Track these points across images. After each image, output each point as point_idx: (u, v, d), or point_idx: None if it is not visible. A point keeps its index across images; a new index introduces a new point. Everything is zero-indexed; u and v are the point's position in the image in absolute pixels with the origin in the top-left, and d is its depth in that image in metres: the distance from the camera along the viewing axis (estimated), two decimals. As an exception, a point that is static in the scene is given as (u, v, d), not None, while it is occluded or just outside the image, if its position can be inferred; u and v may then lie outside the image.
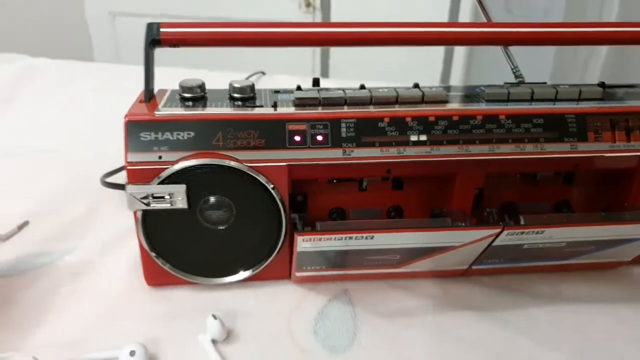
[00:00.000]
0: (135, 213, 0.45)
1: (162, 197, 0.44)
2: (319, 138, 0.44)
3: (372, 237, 0.42)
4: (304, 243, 0.42)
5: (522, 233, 0.44)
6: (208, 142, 0.44)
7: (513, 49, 0.52)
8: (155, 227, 0.46)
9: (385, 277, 0.52)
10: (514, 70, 0.52)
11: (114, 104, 0.97)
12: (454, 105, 0.47)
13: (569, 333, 0.46)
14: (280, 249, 0.48)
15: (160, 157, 0.43)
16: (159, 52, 0.46)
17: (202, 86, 0.47)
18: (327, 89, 0.47)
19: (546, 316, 0.48)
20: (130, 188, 0.44)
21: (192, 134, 0.43)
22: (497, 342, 0.45)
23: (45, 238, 0.58)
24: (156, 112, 0.44)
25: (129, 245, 0.56)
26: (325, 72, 1.83)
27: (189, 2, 1.84)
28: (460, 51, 1.72)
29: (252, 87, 0.47)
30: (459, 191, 0.48)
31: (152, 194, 0.44)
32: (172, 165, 0.43)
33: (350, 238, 0.42)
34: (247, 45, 0.46)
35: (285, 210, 0.46)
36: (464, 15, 1.66)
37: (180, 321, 0.46)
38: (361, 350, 0.44)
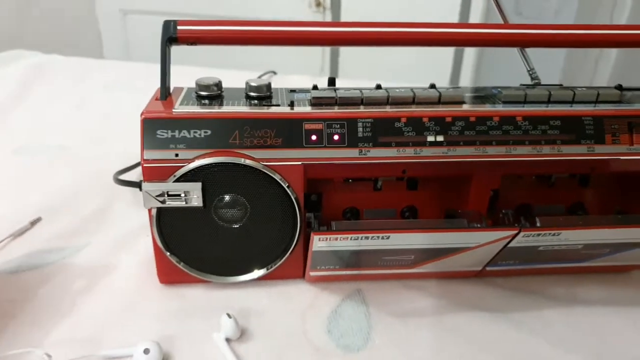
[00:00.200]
0: (149, 211, 0.45)
1: (178, 195, 0.44)
2: (336, 137, 0.44)
3: (388, 237, 0.42)
4: (320, 242, 0.42)
5: (539, 235, 0.43)
6: (225, 140, 0.44)
7: (518, 49, 0.52)
8: (170, 225, 0.46)
9: (398, 278, 0.52)
10: (530, 72, 0.52)
11: (125, 101, 0.98)
12: (471, 106, 0.46)
13: (585, 335, 0.46)
14: (294, 248, 0.48)
15: (176, 155, 0.43)
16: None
17: (218, 84, 0.47)
18: (343, 89, 0.47)
19: (561, 318, 0.48)
20: (146, 185, 0.44)
21: (209, 132, 0.43)
22: (511, 344, 0.45)
23: (57, 234, 0.58)
24: (173, 110, 0.44)
25: (142, 242, 0.57)
26: (334, 72, 1.83)
27: (200, 1, 1.85)
28: (470, 52, 1.72)
29: (268, 85, 0.47)
30: (474, 192, 0.48)
31: (168, 192, 0.44)
32: (189, 163, 0.43)
33: (366, 238, 0.42)
34: (263, 44, 0.47)
35: (300, 209, 0.46)
36: (475, 16, 1.65)
37: (194, 319, 0.46)
38: (375, 350, 0.44)
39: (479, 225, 0.46)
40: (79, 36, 2.06)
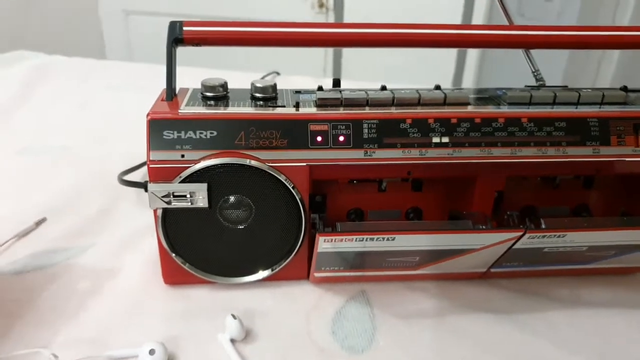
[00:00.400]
0: (155, 211, 0.45)
1: (183, 196, 0.44)
2: (341, 139, 0.44)
3: (393, 239, 0.42)
4: (325, 243, 0.42)
5: (544, 236, 0.43)
6: (230, 141, 0.44)
7: (518, 50, 0.52)
8: (175, 226, 0.46)
9: (402, 279, 0.52)
10: (535, 74, 0.52)
11: (128, 102, 0.98)
12: (476, 108, 0.46)
13: (589, 337, 0.46)
14: (299, 249, 0.48)
15: (182, 156, 0.43)
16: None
17: (224, 85, 0.47)
18: (348, 90, 0.47)
19: (566, 320, 0.48)
20: (152, 186, 0.44)
21: (215, 133, 0.43)
22: (515, 345, 0.45)
23: (62, 235, 0.59)
24: (179, 111, 0.44)
25: (146, 243, 0.57)
26: (337, 73, 1.83)
27: (202, 3, 1.85)
28: (472, 53, 1.72)
29: (274, 87, 0.47)
30: (479, 194, 0.48)
31: (174, 193, 0.44)
32: (194, 164, 0.43)
33: (371, 239, 0.42)
34: (269, 45, 0.47)
35: (305, 210, 0.46)
36: (478, 16, 1.65)
37: (199, 320, 0.46)
38: (379, 351, 0.44)
39: (484, 227, 0.46)
40: (82, 37, 2.06)
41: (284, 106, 0.46)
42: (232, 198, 0.45)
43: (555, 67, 1.66)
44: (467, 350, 0.44)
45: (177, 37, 0.45)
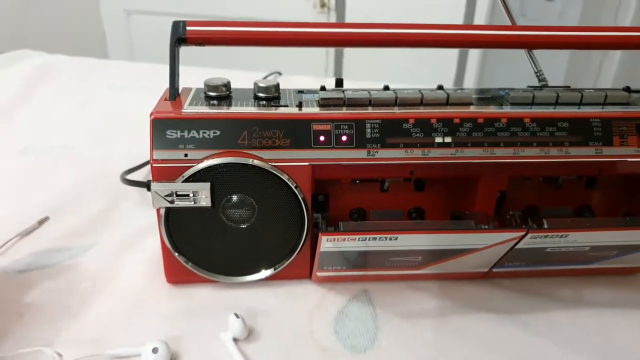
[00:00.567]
0: (158, 211, 0.46)
1: (186, 195, 0.44)
2: (344, 138, 0.44)
3: (396, 239, 0.42)
4: (328, 243, 0.42)
5: (546, 236, 0.43)
6: (233, 141, 0.44)
7: (520, 50, 0.52)
8: (178, 225, 0.46)
9: (404, 279, 0.52)
10: (538, 74, 0.52)
11: (130, 101, 0.98)
12: (479, 108, 0.46)
13: (591, 337, 0.46)
14: (301, 248, 0.48)
15: (185, 155, 0.43)
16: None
17: (227, 85, 0.47)
18: (351, 90, 0.47)
19: (568, 320, 0.48)
20: (155, 185, 0.44)
21: (218, 132, 0.44)
22: (517, 345, 0.45)
23: (64, 234, 0.59)
24: (182, 111, 0.44)
25: (148, 242, 0.57)
26: (339, 73, 1.83)
27: (204, 2, 1.85)
28: (474, 53, 1.72)
29: (276, 86, 0.47)
30: (481, 193, 0.48)
31: (177, 192, 0.44)
32: (198, 163, 0.43)
33: (374, 239, 0.42)
34: (272, 45, 0.47)
35: (307, 210, 0.46)
36: (479, 17, 1.65)
37: (202, 319, 0.47)
38: (382, 351, 0.44)
39: (486, 227, 0.46)
40: (84, 36, 2.07)
41: (286, 106, 0.46)
42: (235, 197, 0.45)
43: (556, 68, 1.66)
44: (469, 350, 0.44)
45: (180, 36, 0.45)
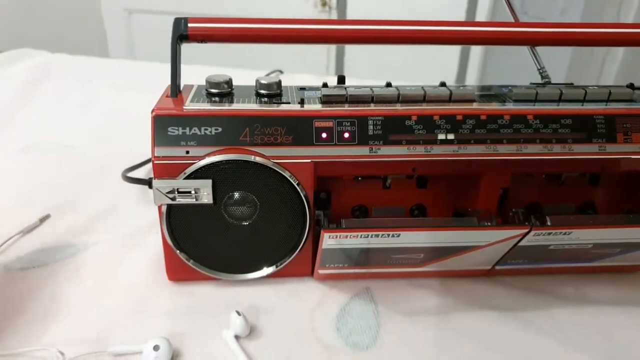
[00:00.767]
0: (159, 208, 0.45)
1: (188, 192, 0.44)
2: (346, 135, 0.44)
3: (398, 236, 0.42)
4: (330, 240, 0.42)
5: (549, 234, 0.43)
6: (235, 137, 0.44)
7: (522, 47, 0.52)
8: (180, 222, 0.46)
9: (406, 276, 0.52)
10: (541, 71, 0.52)
11: (131, 100, 0.98)
12: (482, 105, 0.46)
13: (594, 335, 0.46)
14: (303, 245, 0.48)
15: (187, 152, 0.43)
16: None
17: (229, 82, 0.47)
18: (353, 87, 0.47)
19: (570, 318, 0.47)
20: (157, 182, 0.44)
21: (220, 129, 0.43)
22: (519, 343, 0.45)
23: (66, 232, 0.59)
24: (184, 107, 0.44)
25: (150, 240, 0.57)
26: (340, 71, 1.83)
27: (205, 1, 1.85)
28: (476, 50, 1.71)
29: (278, 83, 0.47)
30: (484, 191, 0.48)
31: (178, 189, 0.44)
32: (199, 160, 0.43)
33: (376, 236, 0.42)
34: (273, 42, 0.47)
35: (309, 207, 0.46)
36: (481, 14, 1.65)
37: (203, 316, 0.46)
38: (384, 348, 0.44)
39: (489, 224, 0.46)
40: (85, 35, 2.07)
41: (288, 103, 0.46)
42: (236, 194, 0.45)
43: (558, 65, 1.66)
44: (471, 348, 0.44)
45: (182, 33, 0.45)
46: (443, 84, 0.49)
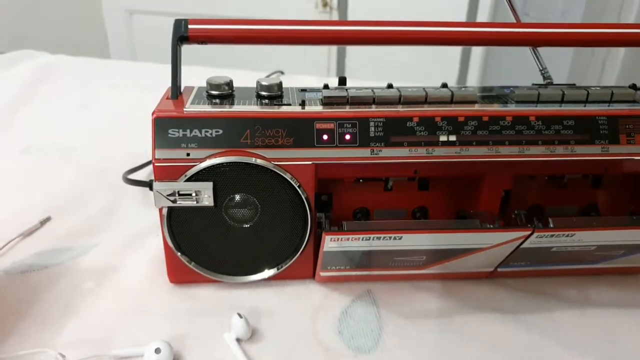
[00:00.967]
0: (160, 210, 0.45)
1: (189, 195, 0.44)
2: (347, 137, 0.44)
3: (400, 238, 0.42)
4: (331, 242, 0.42)
5: (552, 236, 0.43)
6: (236, 140, 0.43)
7: (524, 47, 0.52)
8: (181, 225, 0.46)
9: (408, 279, 0.51)
10: (543, 72, 0.52)
11: (132, 101, 0.98)
12: (484, 106, 0.46)
13: (597, 337, 0.45)
14: (304, 248, 0.48)
15: (188, 154, 0.43)
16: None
17: (229, 84, 0.47)
18: (355, 88, 0.47)
19: (573, 320, 0.47)
20: (157, 185, 0.44)
21: (220, 131, 0.43)
22: (522, 345, 0.44)
23: (67, 234, 0.58)
24: (185, 109, 0.44)
25: (151, 242, 0.56)
26: (341, 72, 1.83)
27: (206, 2, 1.85)
28: (477, 51, 1.71)
29: (279, 85, 0.47)
30: (486, 192, 0.48)
31: (179, 191, 0.44)
32: (200, 162, 0.43)
33: (378, 238, 0.42)
34: (274, 43, 0.47)
35: (311, 209, 0.46)
36: (482, 15, 1.65)
37: (204, 319, 0.46)
38: (386, 351, 0.44)
39: (491, 226, 0.45)
40: (85, 36, 2.07)
41: (289, 104, 0.46)
42: (237, 197, 0.45)
43: (559, 66, 1.65)
44: (473, 351, 0.44)
45: (183, 35, 0.45)
46: (445, 85, 0.49)
